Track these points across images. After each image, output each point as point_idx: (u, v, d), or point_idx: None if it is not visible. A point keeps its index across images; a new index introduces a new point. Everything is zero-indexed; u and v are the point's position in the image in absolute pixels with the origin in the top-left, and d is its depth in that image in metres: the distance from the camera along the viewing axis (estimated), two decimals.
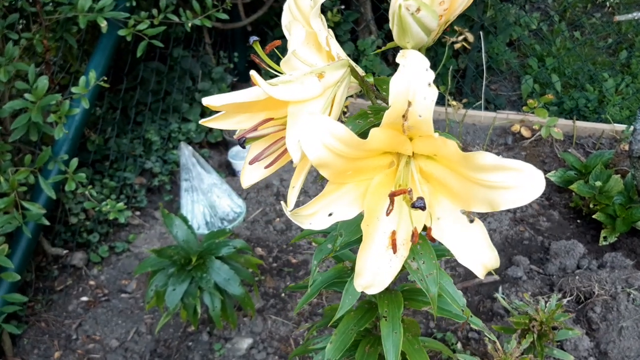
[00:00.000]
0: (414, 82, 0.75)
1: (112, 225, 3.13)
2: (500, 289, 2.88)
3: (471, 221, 0.84)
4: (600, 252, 3.08)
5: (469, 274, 3.05)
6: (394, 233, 0.86)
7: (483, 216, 3.36)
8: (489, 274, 2.72)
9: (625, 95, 4.14)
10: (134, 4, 2.71)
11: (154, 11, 2.80)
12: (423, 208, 0.75)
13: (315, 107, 0.81)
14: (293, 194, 0.83)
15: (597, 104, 4.06)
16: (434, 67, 3.79)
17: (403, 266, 1.00)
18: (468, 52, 3.99)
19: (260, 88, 0.76)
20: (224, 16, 2.96)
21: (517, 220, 3.36)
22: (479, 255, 0.83)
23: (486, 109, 4.04)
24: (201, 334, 2.71)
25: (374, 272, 0.86)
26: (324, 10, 3.99)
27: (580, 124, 3.84)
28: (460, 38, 3.67)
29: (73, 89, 2.12)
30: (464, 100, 3.80)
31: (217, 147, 3.88)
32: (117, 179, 3.20)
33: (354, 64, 0.94)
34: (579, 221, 3.35)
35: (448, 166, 0.83)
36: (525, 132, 3.75)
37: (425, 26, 0.75)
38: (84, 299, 2.91)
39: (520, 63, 4.53)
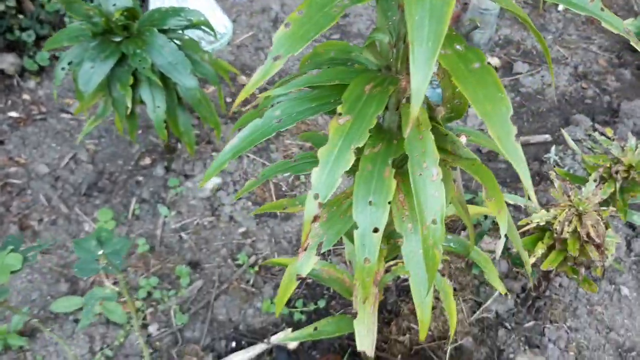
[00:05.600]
0: None
1: (56, 27, 2.42)
2: (552, 149, 2.19)
3: None
4: None
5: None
6: None
7: (535, 68, 2.62)
8: (539, 133, 1.97)
9: None
10: None
11: None
12: None
13: None
14: None
15: None
16: None
17: None
18: None
19: None
20: None
21: (579, 75, 2.61)
22: None
23: None
24: (155, 167, 2.08)
25: None
26: None
27: None
28: None
29: None
30: None
31: None
32: None
33: None
34: None
35: None
36: None
37: None
38: (13, 114, 2.26)
39: None
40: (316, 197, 0.65)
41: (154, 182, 2.04)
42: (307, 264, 0.86)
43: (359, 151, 0.78)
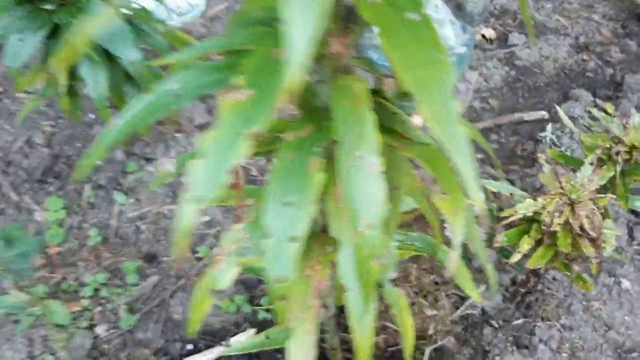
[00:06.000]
0: None
1: None
2: (549, 127, 2.01)
3: None
4: None
5: (504, 109, 2.17)
6: None
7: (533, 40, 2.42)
8: (535, 109, 1.76)
9: None
10: None
11: None
12: None
13: None
14: None
15: None
16: None
17: None
18: None
19: None
20: None
21: (580, 46, 2.41)
22: None
23: None
24: (115, 150, 1.91)
25: None
26: None
27: None
28: None
29: None
30: None
31: None
32: None
33: None
34: None
35: None
36: None
37: None
38: None
39: None
40: (195, 200, 0.48)
41: (113, 167, 1.87)
42: (225, 275, 0.70)
43: (277, 136, 0.61)
